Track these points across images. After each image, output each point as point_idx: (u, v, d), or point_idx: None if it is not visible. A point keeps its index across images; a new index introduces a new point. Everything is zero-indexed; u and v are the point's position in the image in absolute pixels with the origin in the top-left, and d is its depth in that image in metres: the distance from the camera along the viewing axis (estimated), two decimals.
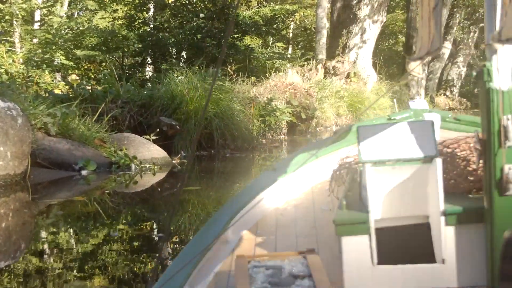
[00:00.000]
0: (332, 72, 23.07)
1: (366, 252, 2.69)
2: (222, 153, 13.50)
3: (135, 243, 6.19)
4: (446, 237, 2.70)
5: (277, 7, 29.54)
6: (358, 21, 24.16)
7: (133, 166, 11.02)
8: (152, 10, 26.99)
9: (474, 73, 2.55)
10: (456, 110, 34.38)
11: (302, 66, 23.85)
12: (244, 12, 27.67)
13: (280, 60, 28.26)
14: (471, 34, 39.90)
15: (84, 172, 10.48)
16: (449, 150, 3.06)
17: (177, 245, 5.93)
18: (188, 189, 9.03)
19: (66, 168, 10.47)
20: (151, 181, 10.43)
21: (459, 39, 38.96)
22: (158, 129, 12.91)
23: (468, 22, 38.89)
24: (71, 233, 6.74)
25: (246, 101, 15.69)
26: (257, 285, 2.37)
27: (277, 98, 17.34)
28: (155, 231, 6.86)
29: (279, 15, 27.99)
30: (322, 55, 25.06)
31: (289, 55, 31.54)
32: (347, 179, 3.57)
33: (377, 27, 24.75)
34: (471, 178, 2.93)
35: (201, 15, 24.55)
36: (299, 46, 39.80)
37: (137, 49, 24.25)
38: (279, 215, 3.85)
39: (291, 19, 33.78)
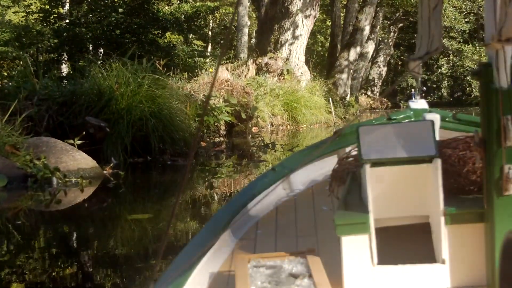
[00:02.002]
0: (265, 69, 20.89)
1: (366, 252, 2.49)
2: (161, 160, 10.77)
3: None
4: (446, 237, 2.51)
5: (198, 3, 27.79)
6: (290, 15, 22.43)
7: (54, 180, 8.21)
8: (68, 4, 25.36)
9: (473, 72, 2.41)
10: (378, 110, 33.44)
11: (226, 63, 21.83)
12: (165, 8, 25.91)
13: (202, 58, 27.83)
14: (391, 34, 39.74)
15: None
16: (448, 150, 2.78)
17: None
18: (134, 218, 6.49)
19: None
20: (78, 199, 7.79)
21: (379, 39, 38.03)
22: (83, 132, 10.02)
23: (388, 22, 38.23)
24: None
25: (182, 99, 12.98)
26: (257, 285, 2.26)
27: (215, 96, 15.00)
28: None
29: (200, 11, 26.84)
30: (244, 54, 23.45)
31: (208, 53, 31.03)
32: (347, 179, 3.22)
33: (310, 22, 23.22)
34: (471, 178, 2.67)
35: (120, 10, 22.70)
36: (219, 45, 38.59)
37: (52, 44, 22.62)
38: (279, 215, 3.65)
39: (211, 16, 32.05)
